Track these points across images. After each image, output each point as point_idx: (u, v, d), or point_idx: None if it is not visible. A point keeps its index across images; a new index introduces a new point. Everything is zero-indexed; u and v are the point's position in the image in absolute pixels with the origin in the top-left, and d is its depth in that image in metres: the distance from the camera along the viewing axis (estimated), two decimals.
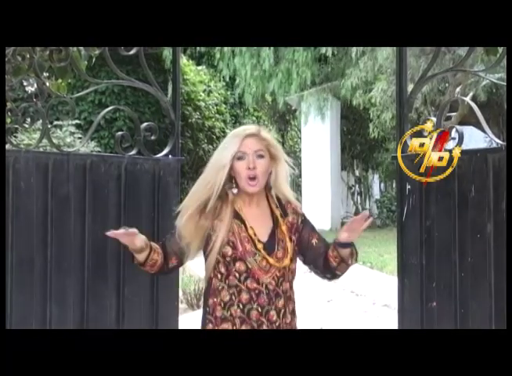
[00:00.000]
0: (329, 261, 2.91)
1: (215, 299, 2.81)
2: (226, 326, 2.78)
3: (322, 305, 8.42)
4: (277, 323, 2.80)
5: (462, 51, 10.99)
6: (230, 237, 2.80)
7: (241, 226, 2.83)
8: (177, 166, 3.90)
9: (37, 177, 3.50)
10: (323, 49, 15.53)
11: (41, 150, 4.03)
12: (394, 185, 18.31)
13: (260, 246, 2.81)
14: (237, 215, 2.84)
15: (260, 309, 2.78)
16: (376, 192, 20.03)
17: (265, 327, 2.77)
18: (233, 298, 2.79)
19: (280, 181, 2.91)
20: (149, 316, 3.78)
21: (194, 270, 9.78)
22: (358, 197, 19.77)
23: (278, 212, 2.90)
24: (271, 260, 2.80)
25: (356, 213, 19.09)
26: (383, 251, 12.64)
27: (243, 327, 2.76)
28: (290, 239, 2.89)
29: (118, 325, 3.70)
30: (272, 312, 2.79)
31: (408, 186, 3.62)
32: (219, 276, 2.81)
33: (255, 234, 2.83)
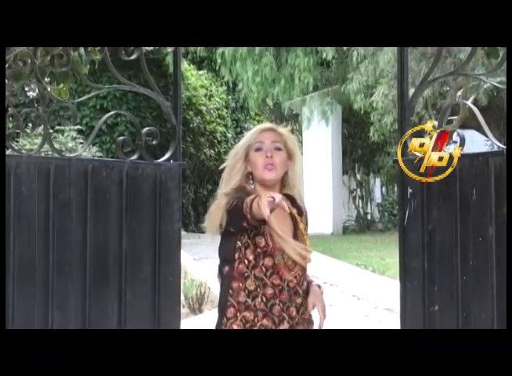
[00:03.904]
0: None
1: (240, 284, 2.83)
2: (248, 314, 2.82)
3: None
4: (296, 319, 2.85)
5: (463, 55, 11.00)
6: (264, 229, 2.81)
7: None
8: (178, 171, 3.90)
9: (38, 182, 3.50)
10: (324, 54, 15.54)
11: (42, 155, 4.03)
12: (395, 188, 18.30)
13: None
14: None
15: (282, 305, 2.82)
16: (377, 196, 20.01)
17: (285, 323, 2.83)
18: (258, 289, 2.82)
19: (297, 180, 2.94)
20: (151, 321, 3.77)
21: (196, 275, 9.79)
22: (360, 201, 19.75)
23: (295, 211, 2.90)
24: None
25: (358, 217, 19.13)
26: (384, 254, 12.63)
27: (265, 321, 2.81)
28: (308, 237, 2.91)
29: None
30: (292, 308, 2.85)
31: (409, 190, 3.62)
32: (246, 262, 2.83)
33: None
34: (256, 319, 2.81)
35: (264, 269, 2.82)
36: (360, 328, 7.00)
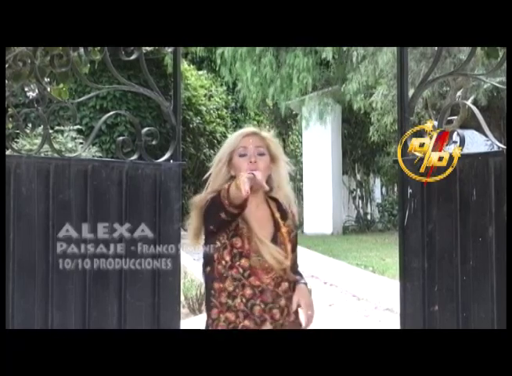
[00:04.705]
0: None
1: (221, 285, 2.84)
2: (230, 315, 2.82)
3: (323, 309, 8.41)
4: (280, 322, 2.83)
5: (463, 55, 11.00)
6: (242, 230, 2.82)
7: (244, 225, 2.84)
8: (178, 171, 3.90)
9: (38, 182, 3.50)
10: (324, 54, 15.54)
11: (42, 155, 4.03)
12: (395, 189, 18.30)
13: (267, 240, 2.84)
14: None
15: (263, 306, 2.80)
16: (377, 196, 20.01)
17: (268, 324, 2.82)
18: (237, 290, 2.83)
19: (282, 183, 2.94)
20: (150, 321, 3.77)
21: (196, 275, 9.78)
22: (360, 201, 19.75)
23: (278, 215, 2.91)
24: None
25: (358, 217, 19.13)
26: (384, 255, 12.63)
27: (246, 322, 2.80)
28: (290, 241, 2.89)
29: None
30: (275, 311, 2.84)
31: (409, 190, 3.62)
32: (223, 262, 2.84)
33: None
34: (238, 321, 2.81)
35: (240, 269, 2.83)
36: (360, 328, 7.00)
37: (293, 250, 2.96)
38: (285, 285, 2.88)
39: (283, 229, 2.90)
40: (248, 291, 2.81)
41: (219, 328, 2.82)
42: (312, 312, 2.89)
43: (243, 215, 2.80)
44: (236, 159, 2.89)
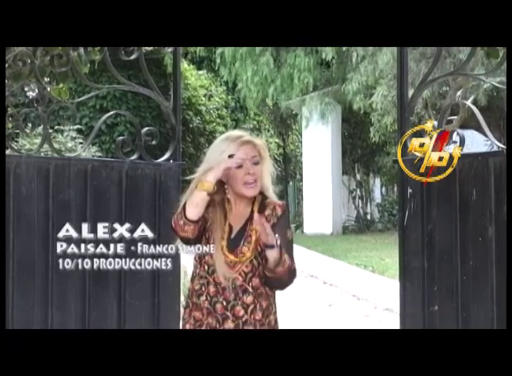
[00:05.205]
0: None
1: (192, 284, 2.90)
2: (197, 313, 2.86)
3: (323, 309, 8.42)
4: (244, 319, 2.82)
5: (462, 55, 11.00)
6: (209, 228, 2.86)
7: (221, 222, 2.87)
8: (178, 171, 3.90)
9: (38, 182, 3.50)
10: (324, 54, 15.55)
11: (42, 154, 4.03)
12: (395, 189, 18.30)
13: (223, 243, 2.84)
14: (224, 211, 2.89)
15: (225, 303, 2.82)
16: (377, 196, 20.02)
17: (229, 322, 2.82)
18: (203, 288, 2.87)
19: (265, 179, 2.96)
20: (150, 321, 3.78)
21: None
22: (360, 201, 19.75)
23: (256, 207, 2.92)
24: (231, 257, 2.83)
25: (357, 217, 19.15)
26: (384, 254, 12.63)
27: (209, 319, 2.83)
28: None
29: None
30: (238, 308, 2.83)
31: (409, 190, 3.62)
32: (194, 262, 2.90)
33: (230, 231, 2.87)
34: (203, 318, 2.84)
35: (206, 266, 2.86)
36: (360, 328, 7.00)
37: (282, 238, 2.90)
38: (256, 281, 2.85)
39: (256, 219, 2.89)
40: (212, 289, 2.84)
41: (187, 326, 2.87)
42: (270, 232, 2.75)
43: (213, 210, 2.83)
44: (233, 169, 2.88)
